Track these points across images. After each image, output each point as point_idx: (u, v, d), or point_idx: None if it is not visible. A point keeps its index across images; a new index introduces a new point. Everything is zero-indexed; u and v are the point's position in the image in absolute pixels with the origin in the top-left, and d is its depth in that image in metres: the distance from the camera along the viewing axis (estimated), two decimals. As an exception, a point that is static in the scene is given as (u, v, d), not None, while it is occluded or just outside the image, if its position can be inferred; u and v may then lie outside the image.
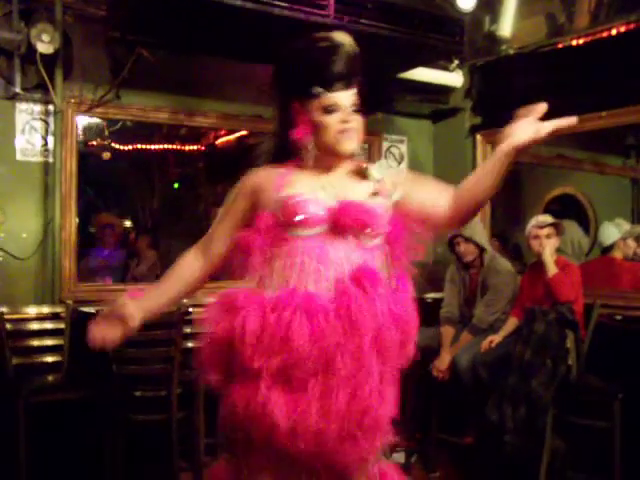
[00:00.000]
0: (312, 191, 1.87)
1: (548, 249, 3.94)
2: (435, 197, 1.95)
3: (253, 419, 1.75)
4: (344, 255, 1.84)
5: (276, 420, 1.72)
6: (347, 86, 1.89)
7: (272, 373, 1.74)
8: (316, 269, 1.82)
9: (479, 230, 4.32)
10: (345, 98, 1.89)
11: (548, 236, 3.98)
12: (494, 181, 1.83)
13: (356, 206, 1.85)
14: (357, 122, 1.90)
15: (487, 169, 1.85)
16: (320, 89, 1.87)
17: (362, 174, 1.96)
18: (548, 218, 4.07)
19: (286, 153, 1.96)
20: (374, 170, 1.96)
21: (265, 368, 1.74)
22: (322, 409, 1.73)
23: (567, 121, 1.76)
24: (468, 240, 4.23)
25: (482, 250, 4.26)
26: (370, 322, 1.77)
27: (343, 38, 1.90)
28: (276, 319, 1.75)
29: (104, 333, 1.91)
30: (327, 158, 1.93)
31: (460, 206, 1.91)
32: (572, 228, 5.37)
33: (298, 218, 1.82)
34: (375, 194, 1.93)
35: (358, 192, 1.91)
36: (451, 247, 4.35)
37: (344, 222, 1.83)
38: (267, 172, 1.95)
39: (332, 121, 1.87)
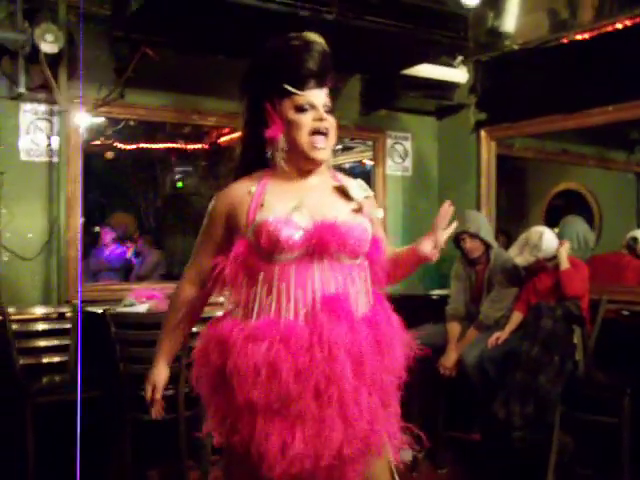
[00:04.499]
0: (286, 214, 1.80)
1: (567, 245, 3.97)
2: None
3: (247, 447, 1.74)
4: (323, 278, 1.79)
5: (269, 449, 1.70)
6: (320, 85, 1.86)
7: (262, 405, 1.72)
8: (295, 295, 1.77)
9: (485, 226, 4.31)
10: (318, 97, 1.86)
11: None
12: (406, 273, 2.03)
13: (332, 227, 1.80)
14: (330, 122, 1.87)
15: (404, 261, 1.98)
16: (292, 88, 1.83)
17: (342, 191, 1.93)
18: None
19: (256, 158, 1.92)
20: (354, 190, 1.92)
21: (255, 401, 1.72)
22: (316, 437, 1.71)
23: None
24: (474, 236, 4.22)
25: (488, 246, 4.25)
26: (346, 349, 1.73)
27: (315, 38, 1.88)
28: (258, 351, 1.72)
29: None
30: (300, 161, 1.88)
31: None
32: (578, 223, 5.35)
33: (273, 244, 1.76)
34: (357, 211, 1.91)
35: (338, 210, 1.87)
36: (457, 243, 4.33)
37: (320, 245, 1.78)
38: (238, 191, 1.89)
39: (305, 119, 1.83)
